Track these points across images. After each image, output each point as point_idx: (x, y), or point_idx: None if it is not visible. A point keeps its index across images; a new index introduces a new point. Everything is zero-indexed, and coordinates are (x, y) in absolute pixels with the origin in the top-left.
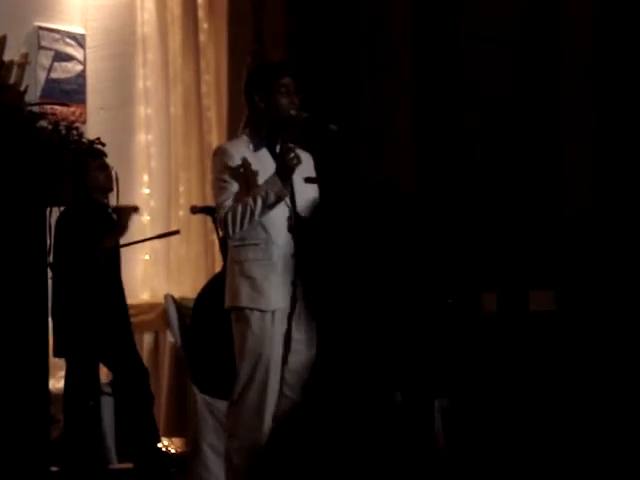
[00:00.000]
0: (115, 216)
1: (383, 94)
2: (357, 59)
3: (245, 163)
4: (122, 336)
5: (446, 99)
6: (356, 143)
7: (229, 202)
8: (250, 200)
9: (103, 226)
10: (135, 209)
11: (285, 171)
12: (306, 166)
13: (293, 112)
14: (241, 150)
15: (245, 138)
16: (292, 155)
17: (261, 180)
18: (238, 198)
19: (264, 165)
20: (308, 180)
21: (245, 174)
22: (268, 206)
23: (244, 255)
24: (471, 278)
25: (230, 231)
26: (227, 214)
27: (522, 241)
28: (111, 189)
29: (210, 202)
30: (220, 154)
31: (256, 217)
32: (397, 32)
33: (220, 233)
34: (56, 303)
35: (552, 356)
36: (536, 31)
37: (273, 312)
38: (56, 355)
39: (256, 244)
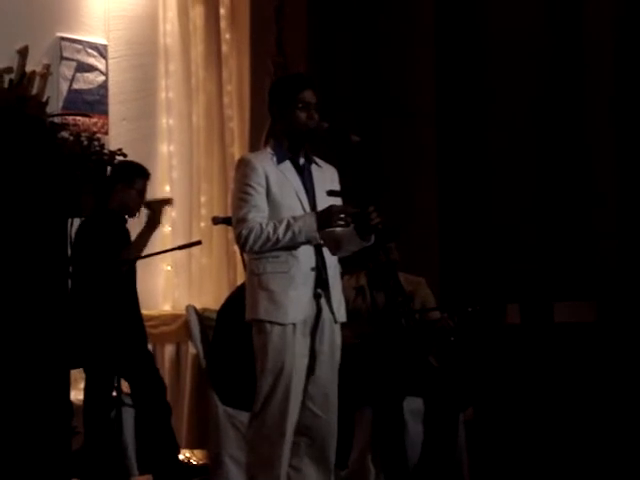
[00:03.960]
0: (148, 211)
1: (405, 102)
2: (378, 68)
3: (268, 176)
4: (138, 348)
5: (469, 110)
6: (378, 152)
7: (250, 216)
8: (280, 231)
9: (120, 239)
10: (168, 201)
11: (365, 231)
12: (330, 180)
13: (311, 125)
14: (264, 162)
15: (269, 150)
16: (374, 216)
17: (283, 193)
18: (259, 211)
19: (287, 178)
20: (331, 193)
21: (267, 187)
22: (295, 243)
23: (262, 268)
24: (495, 290)
25: (247, 249)
26: (250, 234)
27: (547, 253)
28: (133, 215)
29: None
30: (243, 165)
31: (278, 247)
32: (419, 41)
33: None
34: (75, 313)
35: (577, 367)
36: (558, 37)
37: (294, 325)
38: (73, 367)
39: (275, 257)
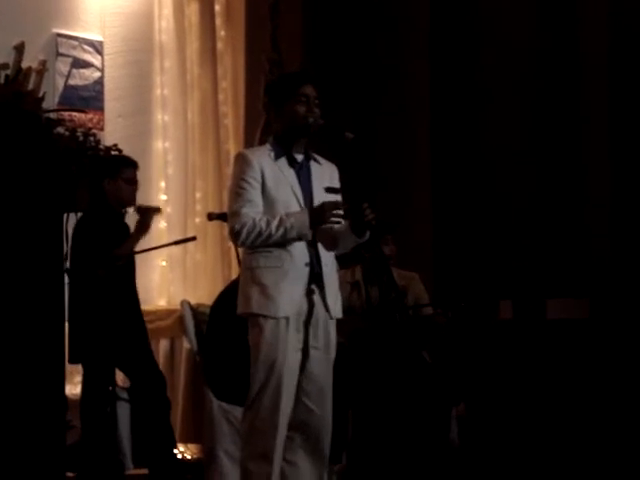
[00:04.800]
0: (138, 216)
1: (400, 99)
2: (373, 65)
3: (263, 171)
4: (138, 342)
5: (464, 108)
6: (373, 149)
7: (243, 210)
8: (272, 226)
9: (118, 234)
10: (157, 210)
11: (359, 228)
12: (329, 177)
13: (310, 120)
14: (261, 158)
15: (268, 146)
16: (368, 212)
17: (278, 188)
18: (253, 205)
19: (283, 173)
20: (329, 190)
21: (263, 182)
22: (287, 239)
23: (255, 262)
24: (488, 286)
25: (239, 243)
26: (242, 228)
27: (539, 250)
28: (130, 205)
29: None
30: (240, 160)
31: (270, 242)
32: (414, 39)
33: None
34: (72, 309)
35: (569, 363)
36: (553, 37)
37: (287, 319)
38: (71, 361)
39: (269, 251)
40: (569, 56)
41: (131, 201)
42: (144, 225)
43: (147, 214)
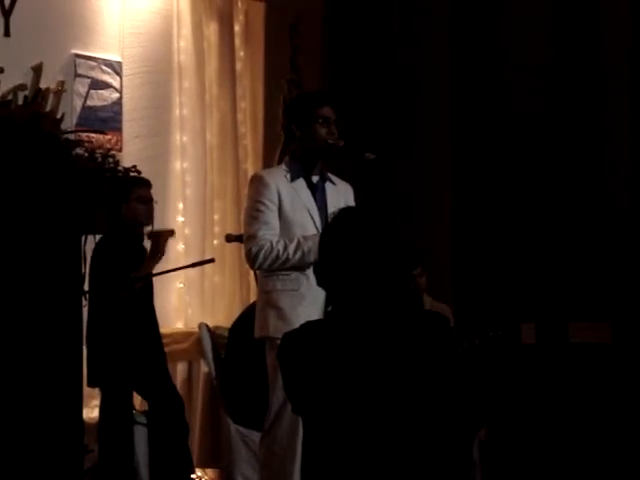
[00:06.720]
0: (150, 242)
1: (420, 119)
2: (393, 85)
3: (280, 193)
4: (157, 366)
5: (483, 126)
6: (392, 169)
7: (260, 233)
8: (290, 250)
9: (137, 256)
10: (171, 233)
11: None
12: (344, 197)
13: (330, 140)
14: (277, 179)
15: (283, 167)
16: None
17: (295, 210)
18: (270, 228)
19: (300, 195)
20: None
21: (279, 204)
22: (304, 263)
23: (272, 285)
24: (510, 309)
25: (256, 267)
26: (260, 251)
27: (561, 274)
28: (148, 224)
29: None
30: (256, 182)
31: (287, 266)
32: (433, 56)
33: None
34: (91, 332)
35: (592, 388)
36: (574, 51)
37: None
38: (90, 384)
39: (285, 274)
40: (590, 70)
41: (148, 220)
42: (157, 251)
43: (160, 239)
